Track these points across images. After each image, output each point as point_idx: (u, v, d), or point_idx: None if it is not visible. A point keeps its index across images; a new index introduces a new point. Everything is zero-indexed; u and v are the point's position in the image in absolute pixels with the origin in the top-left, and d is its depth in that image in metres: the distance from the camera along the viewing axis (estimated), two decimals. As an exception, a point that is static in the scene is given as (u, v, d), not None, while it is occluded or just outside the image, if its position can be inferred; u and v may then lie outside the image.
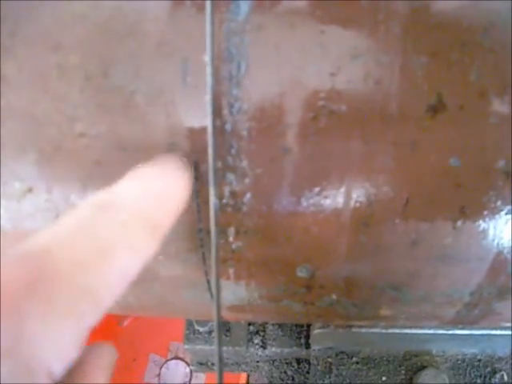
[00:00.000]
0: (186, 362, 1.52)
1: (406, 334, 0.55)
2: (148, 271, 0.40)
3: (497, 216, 0.36)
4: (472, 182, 0.36)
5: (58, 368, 0.23)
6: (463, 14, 0.36)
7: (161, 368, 1.56)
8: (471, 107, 0.35)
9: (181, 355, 1.55)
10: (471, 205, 0.36)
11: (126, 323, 1.61)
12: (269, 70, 0.35)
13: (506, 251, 0.38)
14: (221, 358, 0.39)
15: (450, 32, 0.35)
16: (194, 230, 0.38)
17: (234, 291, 0.42)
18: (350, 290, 0.41)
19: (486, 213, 0.36)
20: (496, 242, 0.37)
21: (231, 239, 0.38)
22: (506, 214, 0.36)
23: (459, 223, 0.37)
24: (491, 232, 0.37)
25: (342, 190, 0.36)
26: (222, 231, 0.37)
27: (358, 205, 0.36)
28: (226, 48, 0.35)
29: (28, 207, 0.38)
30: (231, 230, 0.38)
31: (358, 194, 0.36)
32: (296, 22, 0.36)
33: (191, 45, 0.35)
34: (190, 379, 1.51)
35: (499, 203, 0.36)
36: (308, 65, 0.35)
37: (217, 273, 0.36)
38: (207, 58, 0.33)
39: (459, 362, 0.60)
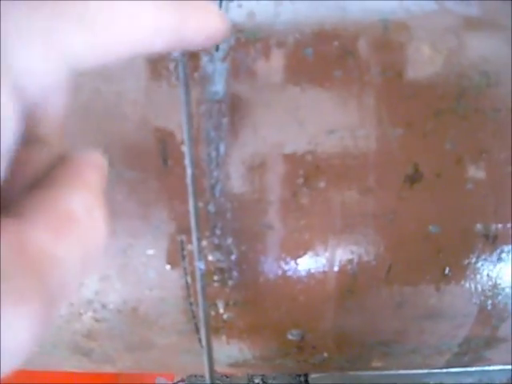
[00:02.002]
0: (193, 385, 1.53)
1: (404, 374, 0.56)
2: (144, 341, 0.42)
3: (478, 276, 0.38)
4: (452, 247, 0.37)
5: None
6: (436, 82, 0.37)
7: (167, 391, 1.57)
8: (448, 175, 0.36)
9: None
10: (453, 267, 0.38)
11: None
12: (247, 150, 0.36)
13: (489, 307, 0.39)
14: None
15: (424, 101, 0.37)
16: (186, 304, 0.39)
17: (229, 354, 0.44)
18: (340, 348, 0.43)
19: (467, 273, 0.38)
20: (479, 299, 0.39)
21: (221, 311, 0.39)
22: (488, 273, 0.38)
23: (442, 285, 0.38)
24: (474, 291, 0.38)
25: (325, 260, 0.37)
26: (212, 304, 0.39)
27: (341, 273, 0.38)
28: (205, 130, 0.36)
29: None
30: (220, 303, 0.39)
31: (341, 264, 0.37)
32: (272, 100, 0.37)
33: (169, 126, 0.37)
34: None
35: (480, 264, 0.38)
36: (286, 142, 0.36)
37: (208, 342, 0.37)
38: (185, 146, 0.35)
39: (456, 392, 0.62)
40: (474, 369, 0.56)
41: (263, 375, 0.65)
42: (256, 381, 0.65)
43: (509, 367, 0.56)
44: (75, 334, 0.42)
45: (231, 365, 0.46)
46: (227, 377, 0.65)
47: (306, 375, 0.63)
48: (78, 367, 0.48)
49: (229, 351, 0.44)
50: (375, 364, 0.45)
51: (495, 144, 0.36)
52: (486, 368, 0.56)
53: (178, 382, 1.63)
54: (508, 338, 0.42)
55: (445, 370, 0.56)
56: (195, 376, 0.71)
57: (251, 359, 0.44)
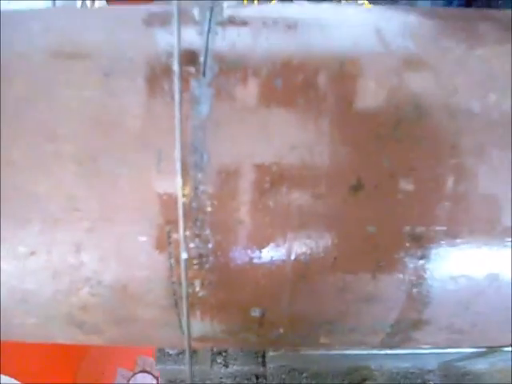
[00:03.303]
0: (153, 375, 1.64)
1: (347, 353, 0.67)
2: (130, 315, 0.52)
3: (405, 268, 0.49)
4: (385, 244, 0.48)
5: None
6: (379, 112, 0.48)
7: (128, 381, 1.67)
8: (384, 186, 0.47)
9: (148, 368, 1.66)
10: (385, 261, 0.49)
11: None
12: (226, 159, 0.47)
13: (414, 294, 0.51)
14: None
15: (368, 127, 0.48)
16: (169, 283, 0.49)
17: (200, 327, 0.54)
18: (293, 325, 0.54)
19: (397, 266, 0.49)
20: (406, 287, 0.50)
21: (197, 289, 0.50)
22: (413, 266, 0.49)
23: (377, 274, 0.49)
24: (402, 280, 0.50)
25: (284, 251, 0.48)
26: (190, 284, 0.49)
27: (296, 262, 0.48)
28: (192, 140, 0.47)
29: (31, 267, 0.49)
30: (197, 282, 0.49)
31: (297, 254, 0.48)
32: (247, 118, 0.48)
33: (163, 137, 0.47)
34: (158, 391, 1.63)
35: (407, 259, 0.49)
36: (257, 154, 0.47)
37: (187, 314, 0.48)
38: (177, 151, 0.45)
39: (394, 374, 0.73)
40: (408, 351, 0.67)
41: (225, 355, 0.76)
42: (218, 360, 0.76)
43: (438, 351, 0.67)
44: (72, 306, 0.52)
45: (201, 339, 0.57)
46: (193, 357, 0.75)
47: (263, 356, 0.74)
48: (71, 339, 0.58)
49: (201, 326, 0.54)
50: (322, 341, 0.56)
51: (422, 164, 0.48)
52: (419, 351, 0.67)
53: (139, 372, 1.73)
54: (431, 321, 0.54)
55: (383, 352, 0.67)
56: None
57: (219, 333, 0.55)
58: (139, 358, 1.70)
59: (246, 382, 0.79)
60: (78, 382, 1.65)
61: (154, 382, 1.65)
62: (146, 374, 1.68)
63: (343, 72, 0.50)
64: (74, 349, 1.64)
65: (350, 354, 0.68)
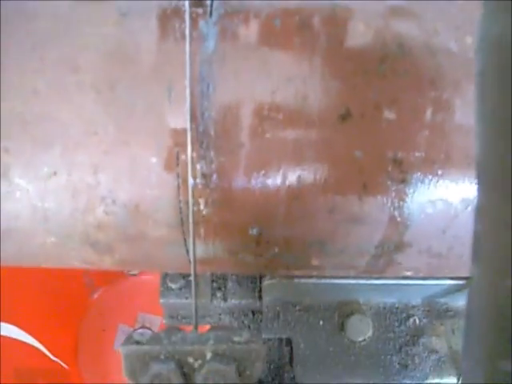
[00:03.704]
0: (153, 331, 1.71)
1: (337, 284, 0.74)
2: (140, 233, 0.59)
3: (388, 191, 0.56)
4: (370, 168, 0.55)
5: None
6: (366, 49, 0.55)
7: (129, 337, 1.74)
8: (369, 115, 0.54)
9: (148, 325, 1.74)
10: (370, 183, 0.55)
11: (96, 296, 1.80)
12: (229, 89, 0.54)
13: (396, 216, 0.57)
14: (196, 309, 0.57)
15: (357, 63, 0.54)
16: (176, 202, 0.56)
17: (203, 248, 0.61)
18: (287, 244, 0.60)
19: (380, 189, 0.56)
20: (389, 209, 0.57)
21: (202, 207, 0.56)
22: (395, 189, 0.56)
23: (363, 196, 0.56)
24: (385, 202, 0.56)
25: (280, 173, 0.55)
26: (195, 202, 0.56)
27: (290, 184, 0.55)
28: (199, 72, 0.53)
29: (52, 186, 0.56)
30: (202, 201, 0.56)
31: (291, 177, 0.55)
32: (248, 54, 0.54)
33: (174, 70, 0.54)
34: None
35: (389, 182, 0.55)
36: (256, 86, 0.54)
37: (193, 233, 0.55)
38: (186, 81, 0.52)
39: (381, 309, 0.80)
40: (393, 282, 0.74)
41: (225, 291, 0.83)
42: (218, 295, 0.83)
43: (421, 284, 0.74)
44: (88, 225, 0.59)
45: (203, 261, 0.63)
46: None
47: (259, 290, 0.81)
48: (85, 260, 0.65)
49: (204, 246, 0.61)
50: (314, 262, 0.63)
51: (404, 96, 0.54)
52: (404, 283, 0.74)
53: (139, 328, 1.81)
54: (412, 244, 0.60)
55: (370, 283, 0.74)
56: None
57: (220, 253, 0.62)
58: (139, 314, 1.77)
59: (243, 317, 0.86)
60: (79, 339, 1.72)
61: (154, 337, 1.72)
62: (145, 330, 1.76)
63: (335, 15, 0.56)
64: (76, 305, 1.72)
65: (339, 285, 0.75)
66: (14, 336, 1.38)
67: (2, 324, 1.34)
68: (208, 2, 0.56)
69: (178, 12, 0.55)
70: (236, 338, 0.52)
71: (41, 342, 1.48)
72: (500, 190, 0.29)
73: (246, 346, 0.52)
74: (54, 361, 1.53)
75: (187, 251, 0.61)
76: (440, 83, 0.54)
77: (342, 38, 0.55)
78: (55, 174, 0.56)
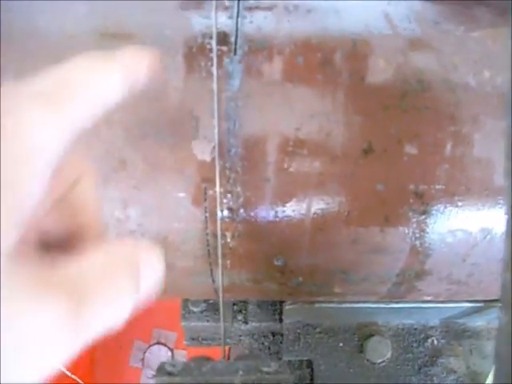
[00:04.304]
0: (168, 347, 1.73)
1: (356, 307, 0.76)
2: (168, 263, 0.61)
3: (409, 222, 0.58)
4: (392, 200, 0.57)
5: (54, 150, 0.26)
6: (387, 85, 0.57)
7: (144, 353, 1.76)
8: (391, 150, 0.56)
9: (163, 341, 1.76)
10: (392, 215, 0.58)
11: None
12: (254, 126, 0.56)
13: (417, 246, 0.59)
14: (225, 331, 0.59)
15: (378, 98, 0.57)
16: (203, 234, 0.58)
17: (229, 277, 0.63)
18: (311, 273, 0.62)
19: (402, 220, 0.58)
20: (410, 239, 0.59)
21: (228, 240, 0.59)
22: (416, 220, 0.58)
23: (384, 228, 0.58)
24: (406, 233, 0.58)
25: (304, 206, 0.57)
26: (222, 234, 0.58)
27: (315, 216, 0.57)
28: (225, 110, 0.56)
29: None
30: (229, 234, 0.58)
31: (315, 209, 0.57)
32: (273, 91, 0.56)
33: (201, 107, 0.56)
34: (172, 362, 1.73)
35: (411, 214, 0.58)
36: (281, 122, 0.56)
37: (221, 264, 0.57)
38: (215, 119, 0.54)
39: (399, 330, 0.82)
40: (412, 305, 0.76)
41: (245, 313, 0.85)
42: (239, 317, 0.85)
43: (439, 306, 0.76)
44: (117, 257, 0.61)
45: (229, 288, 0.66)
46: (216, 314, 0.84)
47: (280, 313, 0.83)
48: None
49: (230, 275, 0.63)
50: (337, 290, 0.65)
51: (425, 130, 0.56)
52: (422, 306, 0.76)
53: (154, 344, 1.83)
54: (432, 272, 0.62)
55: (389, 306, 0.76)
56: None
57: (245, 281, 0.64)
58: (154, 330, 1.80)
59: (263, 339, 0.88)
60: (95, 355, 1.74)
61: (169, 353, 1.75)
62: (161, 346, 1.78)
63: (356, 51, 0.58)
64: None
65: (359, 309, 0.77)
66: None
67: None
68: (232, 40, 0.58)
69: (203, 50, 0.57)
70: (265, 369, 0.54)
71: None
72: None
73: (275, 377, 0.54)
74: (71, 378, 1.56)
75: (213, 280, 0.63)
76: (459, 118, 0.57)
77: (363, 73, 0.57)
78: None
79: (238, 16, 0.60)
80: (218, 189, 0.55)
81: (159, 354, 1.76)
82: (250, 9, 0.62)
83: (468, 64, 0.59)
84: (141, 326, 1.77)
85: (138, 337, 1.78)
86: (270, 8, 0.62)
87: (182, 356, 1.70)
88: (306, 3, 0.63)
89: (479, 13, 0.63)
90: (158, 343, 1.77)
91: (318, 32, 0.60)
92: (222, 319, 0.59)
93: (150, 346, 1.77)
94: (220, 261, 0.56)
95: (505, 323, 0.33)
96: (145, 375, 1.76)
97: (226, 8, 0.62)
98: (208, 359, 0.58)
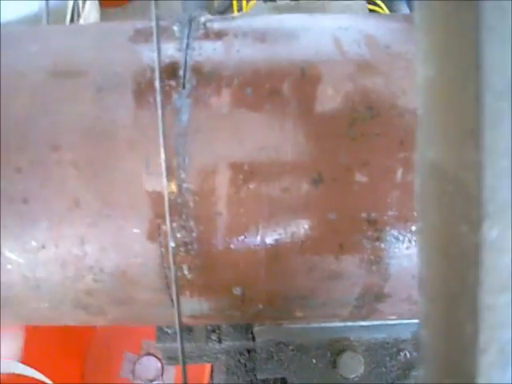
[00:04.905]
0: (158, 358, 1.74)
1: (326, 326, 0.77)
2: (129, 297, 0.62)
3: (364, 249, 0.58)
4: (345, 229, 0.58)
5: None
6: (335, 114, 0.57)
7: (135, 364, 1.77)
8: (341, 179, 0.57)
9: (152, 351, 1.77)
10: (346, 243, 0.58)
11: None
12: (204, 160, 0.56)
13: (374, 270, 0.60)
14: (183, 354, 0.60)
15: (327, 127, 0.57)
16: (161, 268, 0.59)
17: (190, 306, 0.64)
18: (270, 300, 0.63)
19: (356, 247, 0.58)
20: (366, 265, 0.59)
21: (186, 272, 0.59)
22: (371, 246, 0.58)
23: (339, 255, 0.58)
24: (362, 259, 0.59)
25: (258, 237, 0.57)
26: (178, 268, 0.59)
27: (269, 246, 0.58)
28: (175, 146, 0.56)
29: (42, 258, 0.59)
30: (185, 267, 0.59)
31: (269, 239, 0.57)
32: (221, 124, 0.57)
33: (150, 144, 0.56)
34: (162, 373, 1.74)
35: (365, 240, 0.58)
36: (231, 155, 0.56)
37: (177, 295, 0.57)
38: (161, 157, 0.55)
39: (372, 344, 0.83)
40: (382, 322, 0.76)
41: (219, 333, 0.86)
42: (213, 337, 0.85)
43: (410, 322, 0.77)
44: (78, 291, 0.62)
45: (192, 316, 0.66)
46: (190, 334, 0.85)
47: (252, 332, 0.84)
48: (78, 320, 0.68)
49: (191, 304, 0.64)
50: (298, 314, 0.66)
51: (374, 158, 0.57)
52: (393, 322, 0.76)
53: (144, 355, 1.84)
54: (392, 294, 0.63)
55: (360, 324, 0.77)
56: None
57: (207, 310, 0.64)
58: (143, 342, 1.81)
59: (238, 356, 0.89)
60: (85, 368, 1.76)
61: (159, 364, 1.76)
62: (150, 357, 1.79)
63: (304, 79, 0.59)
64: (81, 336, 1.75)
65: (329, 327, 0.77)
66: (19, 372, 1.42)
67: (8, 361, 1.37)
68: (181, 73, 0.59)
69: (152, 85, 0.58)
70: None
71: (46, 375, 1.51)
72: (439, 301, 0.32)
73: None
74: (60, 391, 1.57)
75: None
76: (409, 143, 0.57)
77: (311, 102, 0.58)
78: (43, 247, 0.58)
79: (186, 48, 0.61)
80: (168, 224, 0.55)
81: (149, 365, 1.77)
82: (199, 39, 0.62)
83: (417, 88, 0.59)
84: (129, 337, 1.79)
85: (128, 348, 1.80)
86: (219, 36, 0.62)
87: (171, 366, 1.71)
88: (255, 30, 0.63)
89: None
90: (148, 354, 1.78)
91: (267, 60, 0.60)
92: (180, 350, 0.60)
93: (140, 357, 1.78)
94: (175, 296, 0.57)
95: (421, 376, 0.34)
96: (135, 386, 1.78)
97: (176, 39, 0.62)
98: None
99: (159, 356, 1.73)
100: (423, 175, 0.32)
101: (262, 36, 0.62)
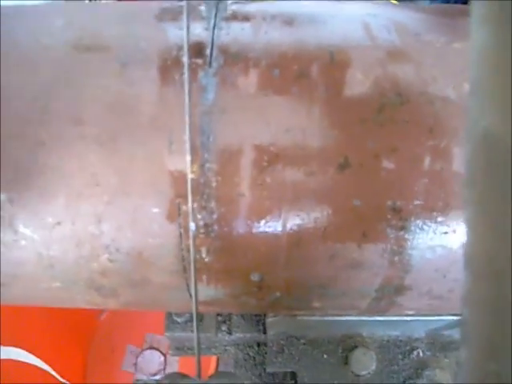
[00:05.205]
0: (161, 352, 1.73)
1: (340, 320, 0.75)
2: (143, 278, 0.60)
3: (387, 238, 0.57)
4: (369, 216, 0.56)
5: None
6: (364, 99, 0.56)
7: (137, 357, 1.76)
8: (368, 165, 0.55)
9: (156, 345, 1.75)
10: (370, 231, 0.56)
11: (103, 317, 1.82)
12: (229, 140, 0.55)
13: (396, 261, 0.58)
14: (199, 342, 0.58)
15: (354, 112, 0.55)
16: (178, 250, 0.57)
17: (206, 291, 0.62)
18: (289, 288, 0.61)
19: (380, 236, 0.57)
20: (389, 255, 0.58)
21: (204, 255, 0.58)
22: (394, 236, 0.57)
23: (362, 243, 0.57)
24: (384, 248, 0.57)
25: (280, 221, 0.56)
26: (197, 250, 0.57)
27: (291, 231, 0.56)
28: (199, 124, 0.55)
29: (57, 235, 0.57)
30: (204, 249, 0.57)
31: (291, 224, 0.56)
32: (248, 104, 0.55)
33: (175, 121, 0.55)
34: (165, 367, 1.72)
35: (389, 230, 0.56)
36: (255, 136, 0.55)
37: (194, 279, 0.56)
38: (186, 135, 0.53)
39: (384, 342, 0.81)
40: (397, 318, 0.74)
41: (229, 324, 0.84)
42: (223, 328, 0.84)
43: (424, 319, 0.75)
44: (92, 271, 0.60)
45: (206, 302, 0.65)
46: (199, 324, 0.83)
47: (264, 324, 0.82)
48: (90, 302, 0.66)
49: (206, 290, 0.62)
50: (315, 304, 0.64)
51: (402, 145, 0.55)
52: (407, 318, 0.75)
53: (147, 349, 1.82)
54: (412, 287, 0.61)
55: (374, 319, 0.75)
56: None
57: (222, 296, 0.63)
58: (147, 335, 1.79)
59: (247, 349, 0.87)
60: (88, 360, 1.74)
61: (162, 358, 1.74)
62: (153, 351, 1.77)
63: (333, 63, 0.57)
64: (85, 327, 1.74)
65: (343, 321, 0.76)
66: (22, 359, 1.40)
67: (10, 348, 1.36)
68: (208, 52, 0.57)
69: (178, 62, 0.56)
70: (238, 388, 0.53)
71: (49, 364, 1.50)
72: (486, 278, 0.30)
73: (248, 397, 0.53)
74: (62, 382, 1.55)
75: (190, 295, 0.62)
76: (438, 131, 0.55)
77: (339, 87, 0.56)
78: (59, 223, 0.57)
79: (214, 27, 0.59)
80: (190, 204, 0.54)
81: (152, 359, 1.75)
82: (227, 20, 0.61)
83: (448, 76, 0.58)
84: (133, 330, 1.77)
85: (131, 341, 1.78)
86: (247, 18, 0.61)
87: (174, 361, 1.69)
88: (284, 14, 0.62)
89: (462, 23, 0.62)
90: (151, 348, 1.76)
91: (295, 44, 0.58)
92: (196, 336, 0.58)
93: (143, 350, 1.76)
94: (193, 277, 0.55)
95: (465, 358, 0.32)
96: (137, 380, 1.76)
97: (203, 18, 0.61)
98: (183, 376, 0.57)
99: (162, 350, 1.72)
100: (474, 144, 0.31)
101: (289, 20, 0.61)
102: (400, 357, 0.81)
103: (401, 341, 0.81)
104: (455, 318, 0.74)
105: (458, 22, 0.63)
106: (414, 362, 0.81)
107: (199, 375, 0.58)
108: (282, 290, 0.62)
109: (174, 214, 0.56)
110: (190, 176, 0.54)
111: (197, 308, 0.58)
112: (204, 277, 0.60)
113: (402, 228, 0.56)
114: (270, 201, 0.55)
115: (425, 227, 0.57)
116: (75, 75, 0.57)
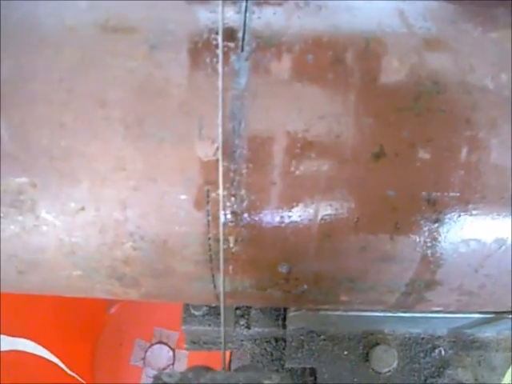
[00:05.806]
0: (170, 347, 1.70)
1: (362, 316, 0.73)
2: (167, 268, 0.58)
3: (421, 230, 0.55)
4: (403, 207, 0.54)
5: None
6: (400, 87, 0.54)
7: (146, 352, 1.74)
8: (403, 154, 0.53)
9: (165, 340, 1.73)
10: (403, 223, 0.54)
11: (113, 310, 1.79)
12: (261, 127, 0.52)
13: (429, 255, 0.56)
14: (225, 335, 0.56)
15: (390, 100, 0.53)
16: (205, 239, 0.55)
17: (231, 283, 0.60)
18: (317, 281, 0.59)
19: (413, 228, 0.55)
20: (421, 248, 0.56)
21: (231, 245, 0.56)
22: (428, 229, 0.55)
23: (394, 236, 0.55)
24: (417, 241, 0.55)
25: (312, 211, 0.54)
26: (225, 239, 0.55)
27: (322, 222, 0.54)
28: (231, 109, 0.52)
29: (80, 221, 0.55)
30: (232, 239, 0.55)
31: (323, 214, 0.54)
32: (280, 90, 0.53)
33: (205, 105, 0.53)
34: (174, 362, 1.70)
35: (422, 222, 0.54)
36: (288, 123, 0.52)
37: (223, 268, 0.54)
38: (219, 118, 0.51)
39: (406, 339, 0.79)
40: (420, 315, 0.72)
41: (248, 318, 0.82)
42: (241, 322, 0.82)
43: (447, 316, 0.73)
44: (115, 259, 0.58)
45: (230, 294, 0.62)
46: (217, 318, 0.81)
47: (283, 319, 0.80)
48: (109, 292, 0.64)
49: (232, 281, 0.60)
50: (343, 298, 0.62)
51: (439, 135, 0.53)
52: (430, 315, 0.72)
53: (156, 343, 1.80)
54: (443, 282, 0.59)
55: (396, 315, 0.73)
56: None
57: (248, 288, 0.61)
58: (156, 329, 1.77)
59: (265, 344, 0.85)
60: (96, 353, 1.72)
61: (171, 353, 1.72)
62: (162, 346, 1.75)
63: (369, 50, 0.55)
64: (94, 320, 1.72)
65: (365, 317, 0.73)
66: (30, 351, 1.38)
67: (19, 339, 1.34)
68: (240, 36, 0.55)
69: (209, 46, 0.54)
70: (266, 381, 0.51)
71: (57, 356, 1.48)
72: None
73: (277, 390, 0.51)
74: (70, 375, 1.53)
75: (214, 286, 0.60)
76: (475, 122, 0.53)
77: (375, 74, 0.54)
78: (83, 209, 0.55)
79: (246, 11, 0.57)
80: (221, 191, 0.52)
81: (160, 354, 1.73)
82: (259, 3, 0.58)
83: (485, 66, 0.55)
84: (142, 324, 1.75)
85: (140, 335, 1.76)
86: (279, 3, 0.59)
87: (183, 356, 1.67)
88: (317, -1, 0.60)
89: (498, 13, 0.60)
90: (160, 342, 1.74)
91: (330, 29, 0.56)
92: (223, 327, 0.56)
93: (152, 345, 1.74)
94: (222, 266, 0.53)
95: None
96: (145, 374, 1.74)
97: (234, 2, 0.58)
98: (207, 369, 0.55)
99: (171, 345, 1.69)
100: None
101: (323, 5, 0.59)
102: (422, 355, 0.79)
103: (423, 338, 0.79)
104: (480, 315, 0.72)
105: (495, 12, 0.60)
106: (436, 361, 0.79)
107: (224, 367, 0.55)
108: (309, 282, 0.59)
109: (202, 201, 0.54)
110: (221, 162, 0.51)
111: (224, 300, 0.56)
112: (230, 267, 0.58)
113: (437, 220, 0.54)
114: (302, 189, 0.53)
115: (459, 220, 0.54)
116: (101, 56, 0.55)
